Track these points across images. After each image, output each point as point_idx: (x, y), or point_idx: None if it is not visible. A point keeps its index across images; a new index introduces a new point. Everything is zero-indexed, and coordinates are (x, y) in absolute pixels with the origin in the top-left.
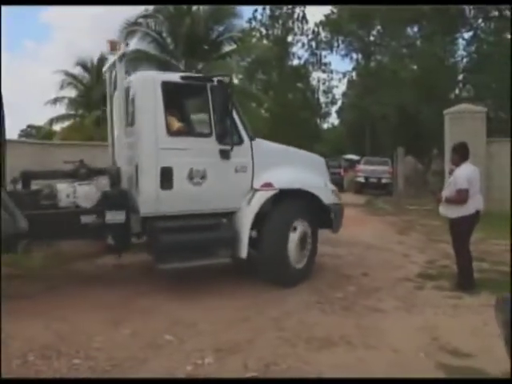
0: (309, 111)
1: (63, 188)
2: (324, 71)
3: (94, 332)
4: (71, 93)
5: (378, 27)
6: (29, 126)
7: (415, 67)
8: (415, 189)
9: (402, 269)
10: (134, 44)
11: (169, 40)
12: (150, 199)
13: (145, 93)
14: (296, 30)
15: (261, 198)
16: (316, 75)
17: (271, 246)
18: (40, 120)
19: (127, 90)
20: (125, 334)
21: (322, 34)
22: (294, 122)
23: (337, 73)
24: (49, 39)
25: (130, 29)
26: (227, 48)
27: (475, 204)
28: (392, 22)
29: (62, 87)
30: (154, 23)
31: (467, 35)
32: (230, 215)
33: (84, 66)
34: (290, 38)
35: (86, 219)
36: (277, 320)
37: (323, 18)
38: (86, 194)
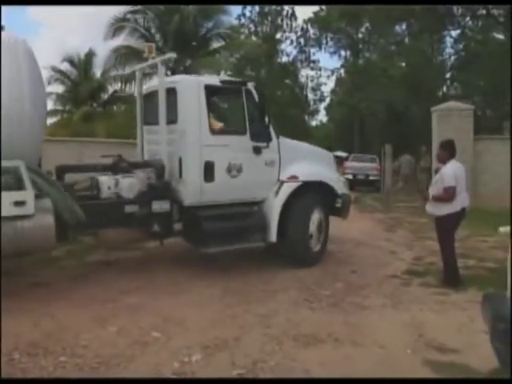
0: (297, 108)
1: (105, 180)
2: (312, 68)
3: (80, 329)
4: (58, 88)
5: (367, 25)
6: None
7: (403, 65)
8: (409, 187)
9: (389, 266)
10: (122, 40)
11: (157, 36)
12: (195, 191)
13: (190, 95)
14: (285, 27)
15: (288, 188)
16: (304, 72)
17: (296, 231)
18: None
19: (168, 91)
20: (112, 331)
21: (311, 31)
22: (282, 119)
23: (325, 70)
24: (36, 35)
25: (118, 25)
26: (216, 44)
27: (461, 201)
28: (380, 19)
29: (49, 83)
30: (142, 19)
31: (455, 33)
32: (260, 204)
33: (71, 61)
34: (278, 35)
35: (131, 209)
36: (264, 317)
37: (312, 15)
38: (129, 185)
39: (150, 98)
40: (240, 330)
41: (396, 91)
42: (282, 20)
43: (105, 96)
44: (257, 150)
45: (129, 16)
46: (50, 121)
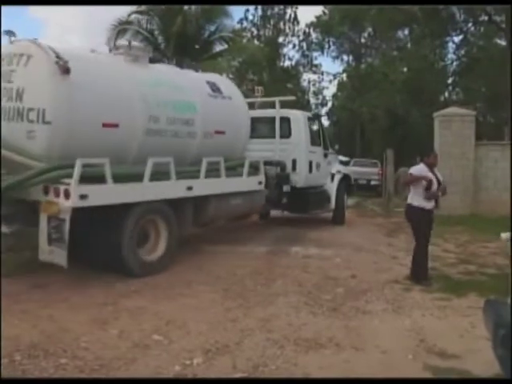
0: None
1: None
2: (315, 72)
3: (81, 331)
4: None
5: (369, 29)
6: None
7: (405, 70)
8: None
9: (390, 271)
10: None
11: (160, 39)
12: (304, 178)
13: (300, 122)
14: (287, 30)
15: (337, 178)
16: (307, 76)
17: (341, 203)
18: None
19: (283, 118)
20: (113, 333)
21: (313, 36)
22: None
23: (327, 74)
24: (38, 35)
25: (121, 27)
26: (218, 48)
27: None
28: (383, 24)
29: None
30: (145, 21)
31: (457, 39)
32: (324, 187)
33: None
34: (281, 39)
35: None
36: (265, 321)
37: (314, 20)
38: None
39: (257, 121)
40: (241, 334)
41: (398, 96)
42: (284, 24)
43: None
44: (325, 155)
45: (132, 18)
46: None
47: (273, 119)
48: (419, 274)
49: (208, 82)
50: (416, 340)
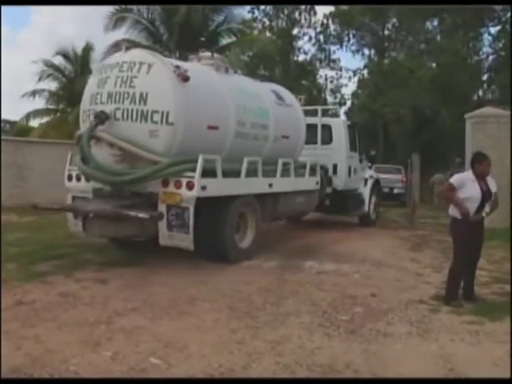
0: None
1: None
2: (332, 68)
3: (70, 354)
4: (51, 85)
5: (394, 20)
6: (2, 121)
7: (434, 65)
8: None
9: (414, 289)
10: (124, 32)
11: (162, 29)
12: (344, 181)
13: (341, 129)
14: (303, 21)
15: (370, 182)
16: (323, 73)
17: (372, 206)
18: (15, 114)
19: (325, 126)
20: (106, 356)
21: (332, 27)
22: None
23: (347, 70)
24: (26, 24)
25: (119, 15)
26: (226, 40)
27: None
28: (409, 14)
29: (40, 79)
30: (146, 10)
31: (494, 30)
32: (358, 190)
33: (66, 55)
34: (295, 31)
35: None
36: (275, 343)
37: (333, 9)
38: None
39: None
40: (248, 358)
41: (425, 95)
42: (299, 14)
43: None
44: (361, 161)
45: (132, 6)
46: (41, 121)
47: (315, 126)
48: (452, 294)
49: (272, 91)
50: (444, 368)
